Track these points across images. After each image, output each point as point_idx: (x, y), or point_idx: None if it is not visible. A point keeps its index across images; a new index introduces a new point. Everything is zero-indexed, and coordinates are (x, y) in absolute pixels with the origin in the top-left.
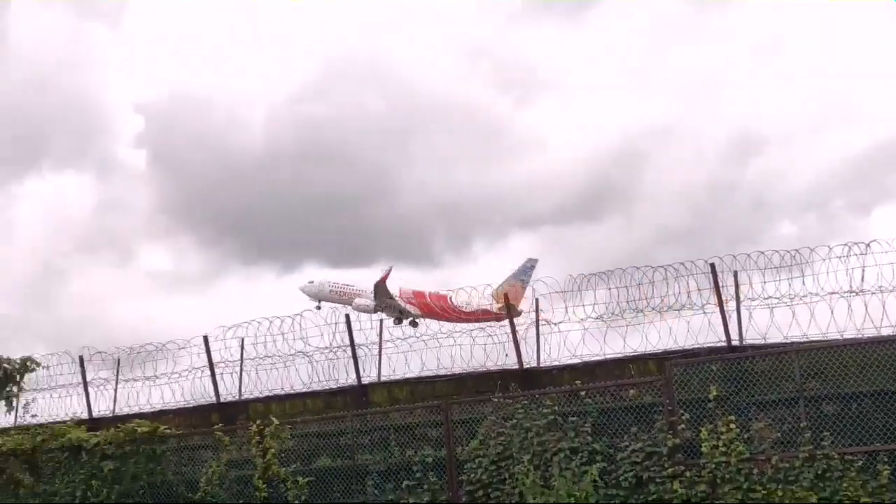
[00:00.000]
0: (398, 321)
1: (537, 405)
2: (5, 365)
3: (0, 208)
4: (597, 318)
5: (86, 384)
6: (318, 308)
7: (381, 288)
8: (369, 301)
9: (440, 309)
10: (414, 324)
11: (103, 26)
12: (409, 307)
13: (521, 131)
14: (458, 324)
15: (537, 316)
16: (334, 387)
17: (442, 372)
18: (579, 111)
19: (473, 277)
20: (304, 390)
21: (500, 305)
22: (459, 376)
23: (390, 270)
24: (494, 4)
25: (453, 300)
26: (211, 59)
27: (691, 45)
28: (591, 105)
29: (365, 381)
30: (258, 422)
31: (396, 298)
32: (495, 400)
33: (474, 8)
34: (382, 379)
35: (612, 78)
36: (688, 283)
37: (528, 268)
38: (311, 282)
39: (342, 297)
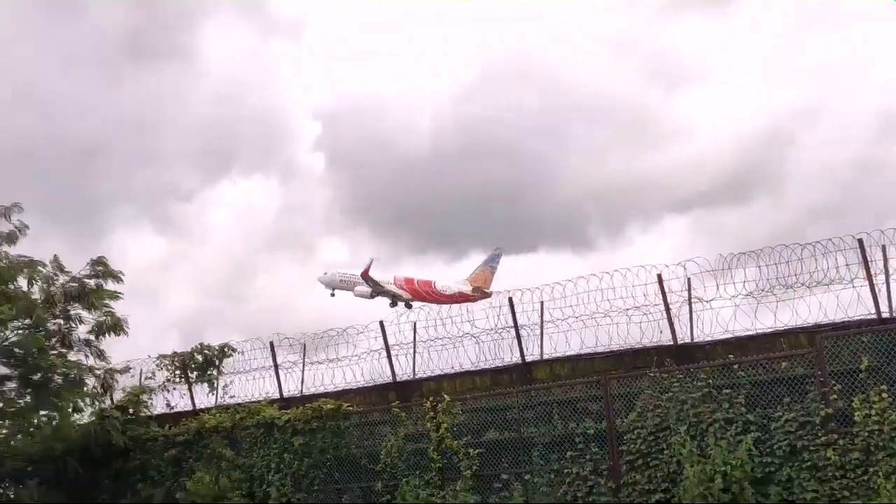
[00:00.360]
0: (393, 304)
1: (692, 379)
2: (206, 351)
3: (198, 212)
4: (747, 295)
5: (276, 367)
6: (333, 295)
7: (366, 277)
8: (367, 288)
9: (426, 293)
10: (409, 306)
11: (284, 42)
12: (401, 292)
13: (670, 119)
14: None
15: (689, 294)
16: (500, 365)
17: (600, 349)
18: (725, 98)
19: (629, 260)
20: (472, 369)
21: (472, 288)
22: (617, 353)
23: (371, 263)
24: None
25: (436, 286)
26: (380, 66)
27: (835, 27)
28: (736, 91)
29: (528, 359)
30: (431, 398)
31: (391, 285)
32: (652, 374)
33: (622, 4)
34: (545, 357)
35: (757, 64)
36: (836, 259)
37: (496, 256)
38: (325, 273)
39: (348, 285)
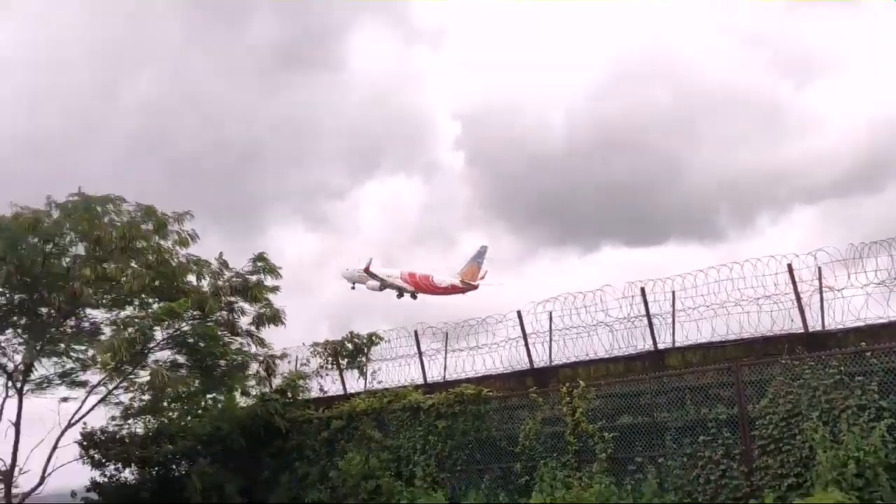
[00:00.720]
0: (400, 295)
1: (823, 366)
2: (355, 340)
3: (349, 209)
4: (879, 284)
5: (420, 354)
6: (353, 288)
7: (367, 272)
8: (376, 282)
9: (425, 285)
10: (414, 296)
11: (426, 48)
12: (405, 285)
13: (801, 112)
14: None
15: (820, 283)
16: (633, 352)
17: (731, 337)
18: (858, 89)
19: (759, 250)
20: (606, 356)
21: (461, 281)
22: (748, 341)
23: (370, 262)
24: None
25: (433, 279)
26: (516, 68)
27: None
28: (869, 82)
29: (661, 346)
30: (567, 384)
31: (398, 279)
32: (783, 361)
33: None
34: (677, 344)
35: (888, 57)
36: None
37: (481, 253)
38: (346, 269)
39: (364, 279)
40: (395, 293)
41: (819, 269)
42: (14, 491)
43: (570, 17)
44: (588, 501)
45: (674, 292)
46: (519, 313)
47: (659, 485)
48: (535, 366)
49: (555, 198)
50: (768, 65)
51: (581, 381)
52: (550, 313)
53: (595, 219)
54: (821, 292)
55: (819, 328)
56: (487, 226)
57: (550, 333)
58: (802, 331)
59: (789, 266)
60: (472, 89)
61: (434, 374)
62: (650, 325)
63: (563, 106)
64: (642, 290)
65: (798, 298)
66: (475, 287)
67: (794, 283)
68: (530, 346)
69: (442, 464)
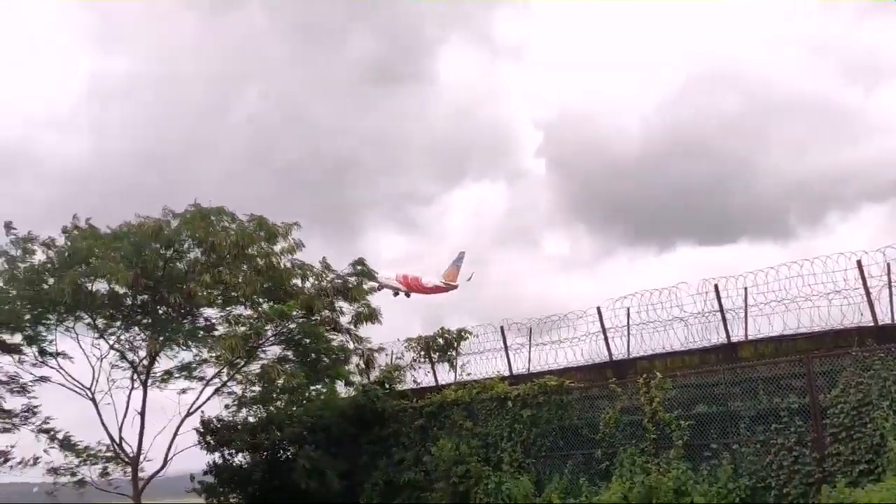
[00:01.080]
0: (395, 294)
1: (893, 358)
2: (446, 335)
3: (437, 214)
4: None
5: (506, 348)
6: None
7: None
8: (375, 283)
9: (416, 286)
10: (407, 295)
11: (510, 62)
12: (399, 286)
13: (871, 116)
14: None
15: (889, 278)
16: (707, 345)
17: (802, 330)
18: None
19: (829, 248)
20: (681, 349)
21: (444, 282)
22: (818, 334)
23: (461, 255)
24: (835, 3)
25: (422, 280)
26: (594, 78)
27: None
28: None
29: (734, 339)
30: (644, 375)
31: (393, 280)
32: (853, 353)
33: (819, 7)
34: (749, 338)
35: None
36: None
37: (460, 258)
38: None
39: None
40: (391, 293)
41: (888, 264)
42: (140, 474)
43: (643, 27)
44: (666, 486)
45: (746, 288)
46: (598, 309)
47: (734, 470)
48: (614, 358)
49: (631, 200)
50: (837, 70)
51: (658, 373)
52: (628, 309)
53: (670, 219)
54: (890, 287)
55: (888, 321)
56: (567, 227)
57: (628, 328)
58: (872, 324)
59: (858, 262)
60: (552, 99)
61: (519, 367)
62: (724, 319)
63: (637, 112)
64: (716, 286)
65: (867, 293)
66: (455, 287)
67: (863, 278)
68: (609, 340)
69: (527, 450)
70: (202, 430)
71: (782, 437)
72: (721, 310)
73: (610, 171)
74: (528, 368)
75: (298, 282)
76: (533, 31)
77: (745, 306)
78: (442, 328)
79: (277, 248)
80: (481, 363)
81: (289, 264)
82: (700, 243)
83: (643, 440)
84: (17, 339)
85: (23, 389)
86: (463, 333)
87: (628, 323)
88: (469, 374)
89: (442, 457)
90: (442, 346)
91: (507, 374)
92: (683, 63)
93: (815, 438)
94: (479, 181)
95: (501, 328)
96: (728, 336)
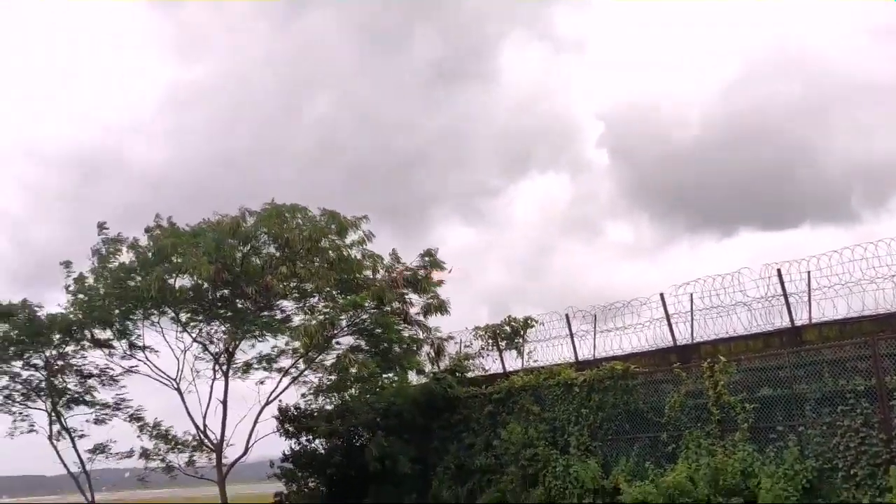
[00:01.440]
0: None
1: None
2: (513, 323)
3: (503, 206)
4: None
5: (572, 335)
6: None
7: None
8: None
9: None
10: None
11: (572, 55)
12: None
13: None
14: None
15: None
16: (771, 329)
17: (867, 313)
18: None
19: (893, 230)
20: (744, 333)
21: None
22: (883, 316)
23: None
24: None
25: None
26: (654, 69)
27: None
28: None
29: (798, 323)
30: (708, 360)
31: None
32: None
33: None
34: (813, 321)
35: None
36: None
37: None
38: None
39: None
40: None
41: None
42: (223, 460)
43: (703, 16)
44: (733, 467)
45: (809, 272)
46: (662, 296)
47: (800, 452)
48: (678, 343)
49: (693, 187)
50: None
51: (722, 357)
52: (691, 295)
53: (731, 206)
54: None
55: None
56: (630, 216)
57: (692, 313)
58: None
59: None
60: (613, 91)
61: (584, 353)
62: (787, 303)
63: (698, 101)
64: (778, 271)
65: None
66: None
67: None
68: (673, 326)
69: (594, 434)
70: (280, 417)
71: (849, 419)
72: (784, 294)
73: (671, 159)
74: (594, 354)
75: (370, 273)
76: (593, 24)
77: (809, 290)
78: (509, 316)
79: (348, 240)
80: (547, 350)
81: (360, 256)
82: (762, 228)
83: (708, 423)
84: (108, 334)
85: (113, 381)
86: (529, 321)
87: (692, 308)
88: (536, 361)
89: (511, 441)
90: (509, 334)
91: (572, 360)
92: (743, 50)
93: (882, 420)
94: (543, 173)
95: (567, 316)
96: (792, 320)
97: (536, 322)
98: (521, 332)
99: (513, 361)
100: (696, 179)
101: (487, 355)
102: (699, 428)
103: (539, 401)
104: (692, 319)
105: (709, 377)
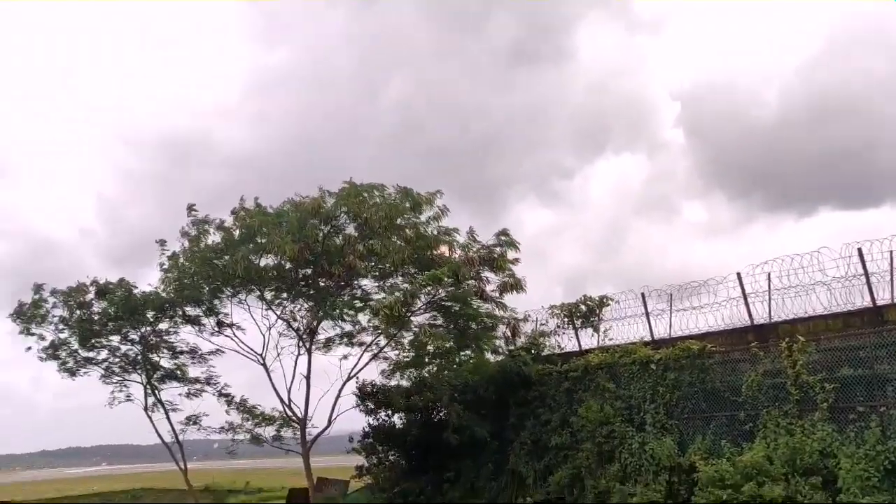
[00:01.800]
0: None
1: None
2: (588, 302)
3: (579, 187)
4: None
5: (647, 314)
6: None
7: None
8: None
9: None
10: None
11: (647, 35)
12: None
13: None
14: None
15: None
16: (851, 309)
17: None
18: None
19: None
20: (824, 313)
21: None
22: None
23: None
24: None
25: None
26: (731, 48)
27: None
28: None
29: (879, 303)
30: (786, 339)
31: None
32: None
33: None
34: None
35: None
36: None
37: None
38: None
39: None
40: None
41: None
42: (307, 433)
43: None
44: (811, 447)
45: (892, 251)
46: (738, 275)
47: (882, 433)
48: (756, 322)
49: (770, 166)
50: None
51: (800, 336)
52: (769, 274)
53: (810, 185)
54: None
55: None
56: (706, 195)
57: (769, 292)
58: None
59: None
60: (689, 70)
61: (660, 332)
62: (868, 283)
63: (776, 78)
64: (859, 250)
65: None
66: None
67: None
68: (750, 305)
69: (670, 412)
70: (360, 393)
71: None
72: (866, 273)
73: (748, 138)
74: (670, 333)
75: (446, 251)
76: (670, 3)
77: (892, 269)
78: (584, 296)
79: (424, 217)
80: (623, 329)
81: (435, 232)
82: (842, 208)
83: (786, 402)
84: (198, 311)
85: (203, 360)
86: (605, 300)
87: (769, 287)
88: (611, 340)
89: (588, 418)
90: (584, 312)
91: (648, 338)
92: (824, 26)
93: None
94: (618, 153)
95: (642, 294)
96: (873, 299)
97: (612, 301)
98: (597, 311)
99: (588, 339)
100: (775, 158)
101: (563, 333)
102: (777, 407)
103: (615, 378)
104: (769, 299)
105: (787, 357)
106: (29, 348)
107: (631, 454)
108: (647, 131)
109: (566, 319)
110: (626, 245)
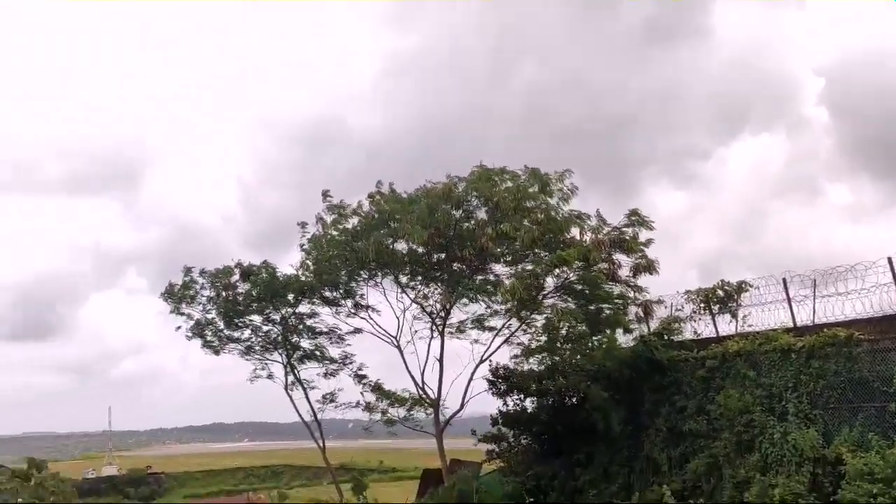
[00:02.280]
0: None
1: None
2: (726, 287)
3: (715, 168)
4: None
5: (789, 300)
6: None
7: None
8: None
9: None
10: None
11: (790, 9)
12: None
13: None
14: None
15: None
16: None
17: None
18: None
19: None
20: None
21: None
22: None
23: None
24: None
25: None
26: (880, 21)
27: None
28: None
29: None
30: None
31: None
32: None
33: None
34: None
35: None
36: None
37: None
38: None
39: None
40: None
41: None
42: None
43: None
44: None
45: None
46: (889, 259)
47: None
48: None
49: None
50: None
51: None
52: None
53: None
54: None
55: None
56: (850, 176)
57: None
58: None
59: None
60: (834, 44)
61: (802, 318)
62: None
63: None
64: None
65: None
66: None
67: None
68: None
69: (814, 401)
70: (492, 377)
71: None
72: None
73: None
74: (813, 320)
75: (576, 233)
76: None
77: None
78: (722, 280)
79: (553, 199)
80: (762, 315)
81: (566, 214)
82: None
83: None
84: (336, 294)
85: (340, 340)
86: (743, 286)
87: None
88: (750, 326)
89: (727, 406)
90: (722, 298)
91: (789, 325)
92: None
93: None
94: (757, 133)
95: (784, 280)
96: None
97: (751, 286)
98: (735, 297)
99: (725, 326)
100: None
101: (699, 319)
102: None
103: (755, 366)
104: None
105: None
106: (178, 327)
107: (772, 444)
108: (788, 110)
109: (702, 305)
110: (764, 228)
